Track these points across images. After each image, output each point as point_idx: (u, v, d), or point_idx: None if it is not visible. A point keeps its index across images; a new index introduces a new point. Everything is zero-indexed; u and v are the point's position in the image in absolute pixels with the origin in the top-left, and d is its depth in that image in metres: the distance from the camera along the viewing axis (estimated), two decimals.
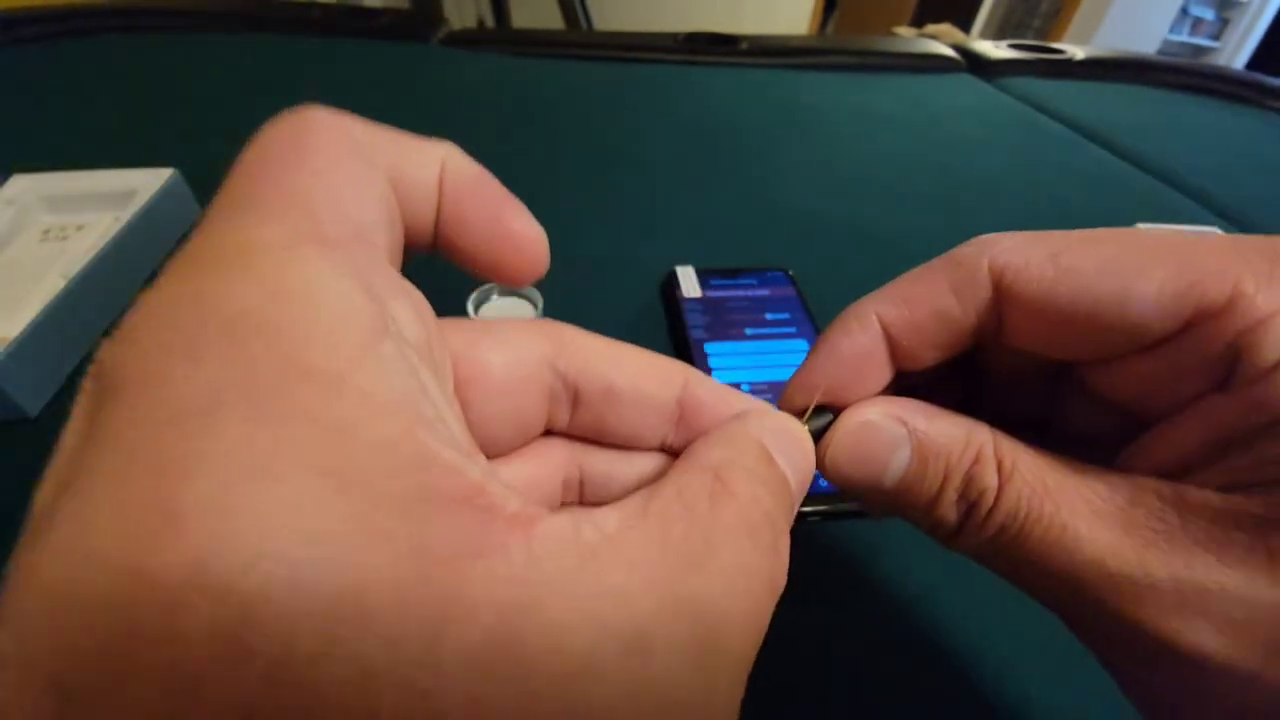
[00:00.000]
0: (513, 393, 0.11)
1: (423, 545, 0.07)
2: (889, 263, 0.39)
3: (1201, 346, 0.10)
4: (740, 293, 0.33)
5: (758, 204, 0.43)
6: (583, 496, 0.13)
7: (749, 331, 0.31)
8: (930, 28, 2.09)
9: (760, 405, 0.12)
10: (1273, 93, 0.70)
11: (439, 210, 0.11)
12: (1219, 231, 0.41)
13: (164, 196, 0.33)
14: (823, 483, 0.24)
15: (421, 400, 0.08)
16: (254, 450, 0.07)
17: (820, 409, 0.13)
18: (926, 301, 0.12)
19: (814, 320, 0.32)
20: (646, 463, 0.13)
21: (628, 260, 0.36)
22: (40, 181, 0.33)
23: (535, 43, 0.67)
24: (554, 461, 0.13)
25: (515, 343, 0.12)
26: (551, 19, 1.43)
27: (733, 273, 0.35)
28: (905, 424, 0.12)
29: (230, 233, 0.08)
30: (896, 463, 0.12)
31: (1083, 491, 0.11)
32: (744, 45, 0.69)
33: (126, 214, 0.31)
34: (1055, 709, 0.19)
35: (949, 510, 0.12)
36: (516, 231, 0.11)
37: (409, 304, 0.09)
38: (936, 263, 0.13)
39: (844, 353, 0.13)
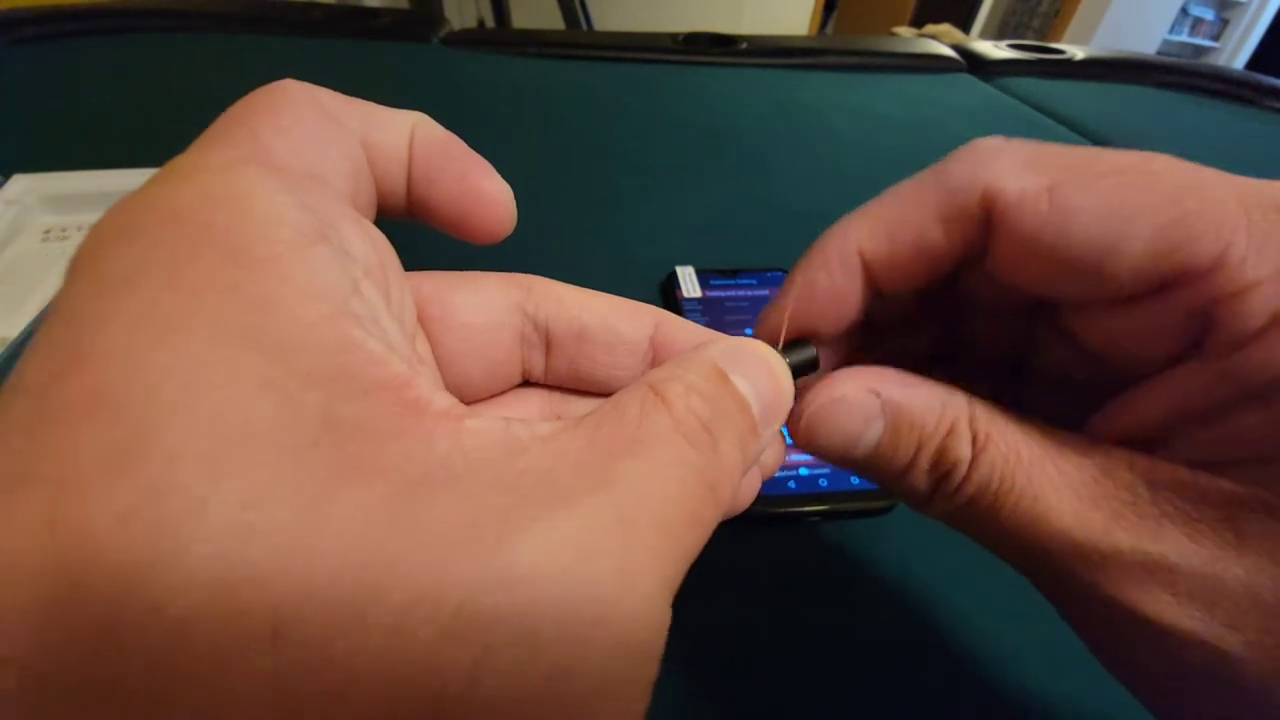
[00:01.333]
0: (482, 332, 0.12)
1: (333, 415, 0.07)
2: None
3: (1178, 307, 0.10)
4: (740, 292, 0.33)
5: (757, 204, 0.43)
6: None
7: (749, 332, 0.31)
8: (930, 28, 2.09)
9: (728, 337, 0.12)
10: (1271, 92, 0.70)
11: (409, 173, 0.11)
12: None
13: None
14: (822, 482, 0.24)
15: (353, 298, 0.08)
16: (167, 310, 0.07)
17: (800, 341, 0.13)
18: (911, 232, 0.12)
19: None
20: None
21: (628, 260, 0.36)
22: (41, 182, 0.33)
23: (535, 43, 0.67)
24: (530, 409, 0.13)
25: (484, 287, 0.12)
26: (551, 19, 1.43)
27: (733, 273, 0.35)
28: (879, 395, 0.12)
29: (188, 158, 0.09)
30: (869, 435, 0.12)
31: (1056, 462, 0.11)
32: (744, 46, 0.69)
33: None
34: (1056, 707, 0.19)
35: (920, 479, 0.12)
36: (484, 189, 0.11)
37: (360, 230, 0.10)
38: (927, 181, 0.12)
39: (821, 290, 0.13)
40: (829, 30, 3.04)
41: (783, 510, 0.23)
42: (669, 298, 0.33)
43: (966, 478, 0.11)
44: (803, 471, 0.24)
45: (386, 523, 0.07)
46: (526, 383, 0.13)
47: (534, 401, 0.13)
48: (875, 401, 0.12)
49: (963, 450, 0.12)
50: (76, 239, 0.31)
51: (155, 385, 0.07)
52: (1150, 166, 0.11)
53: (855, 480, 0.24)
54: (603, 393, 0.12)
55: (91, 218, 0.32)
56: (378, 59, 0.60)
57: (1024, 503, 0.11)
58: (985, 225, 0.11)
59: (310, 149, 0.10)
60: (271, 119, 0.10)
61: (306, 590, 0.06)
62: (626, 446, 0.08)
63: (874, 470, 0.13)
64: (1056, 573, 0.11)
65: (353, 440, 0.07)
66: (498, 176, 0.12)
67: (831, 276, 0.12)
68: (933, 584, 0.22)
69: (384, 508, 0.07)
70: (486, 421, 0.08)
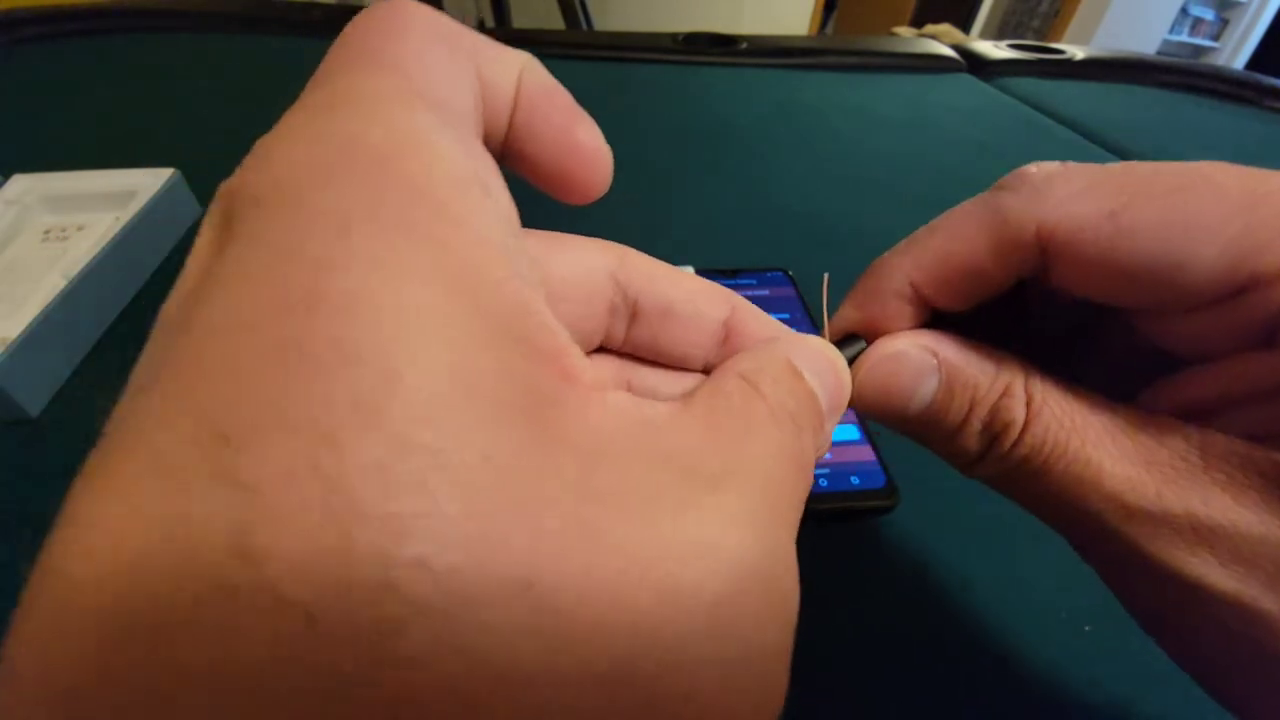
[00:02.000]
0: (579, 298, 0.12)
1: (531, 381, 0.08)
2: None
3: (1250, 311, 0.10)
4: (741, 292, 0.33)
5: (757, 204, 0.43)
6: None
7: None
8: (930, 28, 2.09)
9: (795, 334, 0.13)
10: (1271, 92, 0.70)
11: (512, 116, 0.10)
12: None
13: (165, 196, 0.33)
14: (822, 482, 0.24)
15: (520, 259, 0.08)
16: (396, 257, 0.07)
17: (854, 337, 0.14)
18: (963, 263, 0.12)
19: (814, 320, 0.32)
20: (689, 382, 0.13)
21: None
22: (41, 181, 0.33)
23: (535, 43, 0.67)
24: (605, 373, 0.13)
25: (583, 252, 0.12)
26: (552, 20, 1.43)
27: (733, 273, 0.35)
28: (935, 354, 0.12)
29: (343, 85, 0.09)
30: (923, 391, 0.12)
31: (1110, 428, 0.12)
32: (744, 46, 0.69)
33: (127, 214, 0.31)
34: (1057, 705, 0.19)
35: (972, 440, 0.12)
36: (587, 145, 0.11)
37: (500, 180, 0.09)
38: (976, 211, 0.12)
39: (876, 317, 0.13)
40: (829, 30, 3.04)
41: None
42: None
43: (1019, 439, 0.12)
44: None
45: (589, 496, 0.07)
46: (601, 348, 0.13)
47: (608, 367, 0.13)
48: (931, 359, 0.12)
49: (1017, 412, 0.12)
50: (77, 239, 0.31)
51: (395, 335, 0.07)
52: (1212, 177, 0.11)
53: (855, 480, 0.24)
54: (675, 366, 0.13)
55: (92, 217, 0.32)
56: None
57: (1075, 466, 0.11)
58: (1042, 253, 0.11)
59: (445, 79, 0.09)
60: (405, 44, 0.09)
61: (546, 551, 0.07)
62: (744, 432, 0.09)
63: (926, 428, 0.13)
64: (1104, 536, 0.11)
65: (544, 406, 0.08)
66: (599, 134, 0.11)
67: (885, 308, 0.13)
68: (933, 583, 0.22)
69: (580, 480, 0.07)
70: (621, 397, 0.09)
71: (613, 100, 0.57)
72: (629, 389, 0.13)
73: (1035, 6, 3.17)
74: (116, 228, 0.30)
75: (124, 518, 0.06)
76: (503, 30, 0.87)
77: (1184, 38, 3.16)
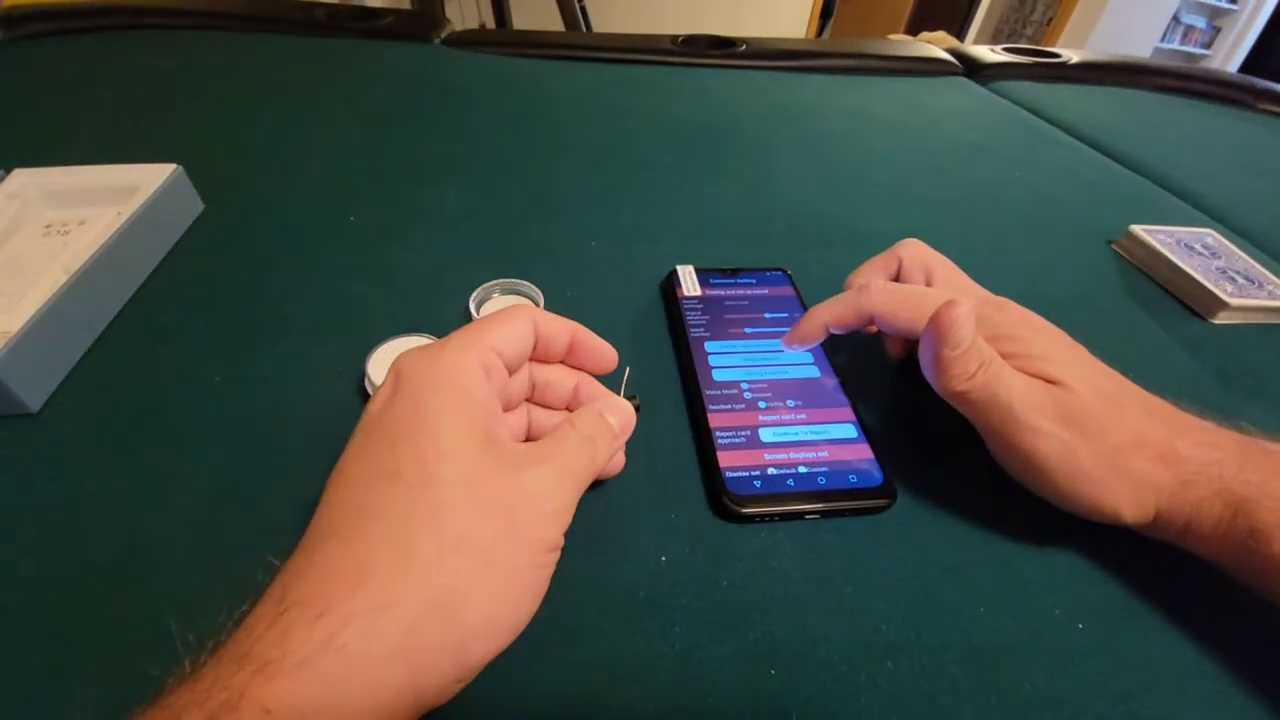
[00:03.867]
0: (521, 388, 0.23)
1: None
2: None
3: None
4: (740, 292, 0.34)
5: (756, 204, 0.43)
6: (529, 430, 0.24)
7: (748, 330, 0.31)
8: (925, 36, 2.10)
9: (610, 395, 0.23)
10: (1264, 95, 0.71)
11: (570, 347, 0.23)
12: (1214, 234, 0.42)
13: (166, 192, 0.33)
14: (821, 480, 0.24)
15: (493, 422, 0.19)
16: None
17: (632, 396, 0.25)
18: (837, 319, 0.27)
19: None
20: (557, 418, 0.23)
21: (628, 259, 0.37)
22: (43, 176, 0.33)
23: (535, 44, 0.67)
24: (523, 415, 0.23)
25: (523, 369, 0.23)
26: (552, 22, 1.44)
27: (733, 272, 0.35)
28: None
29: (456, 339, 0.20)
30: (967, 332, 0.22)
31: (1004, 367, 0.23)
32: (742, 48, 0.70)
33: (129, 209, 0.31)
34: (1053, 703, 0.19)
35: (972, 363, 0.22)
36: (603, 361, 0.23)
37: (503, 378, 0.21)
38: (849, 298, 0.27)
39: (809, 334, 0.28)
40: (825, 38, 3.05)
41: (781, 509, 0.23)
42: (669, 296, 0.33)
43: (986, 366, 0.22)
44: (801, 469, 0.24)
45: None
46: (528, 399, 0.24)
47: (524, 413, 0.23)
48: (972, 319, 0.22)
49: (990, 353, 0.22)
50: (79, 233, 0.31)
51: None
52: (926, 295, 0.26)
53: (853, 478, 0.24)
54: (551, 407, 0.24)
55: (94, 212, 0.32)
56: (380, 59, 0.60)
57: (999, 384, 0.22)
58: (870, 319, 0.27)
59: (506, 344, 0.20)
60: (496, 326, 0.20)
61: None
62: (559, 444, 0.19)
63: (961, 354, 0.22)
64: (997, 418, 0.22)
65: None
66: (609, 346, 0.23)
67: (816, 331, 0.28)
68: (928, 580, 0.22)
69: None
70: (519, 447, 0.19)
71: (612, 101, 0.57)
72: (529, 420, 0.23)
73: (1029, 15, 3.19)
74: (118, 223, 0.30)
75: None
76: (503, 32, 0.87)
77: (1176, 45, 3.19)
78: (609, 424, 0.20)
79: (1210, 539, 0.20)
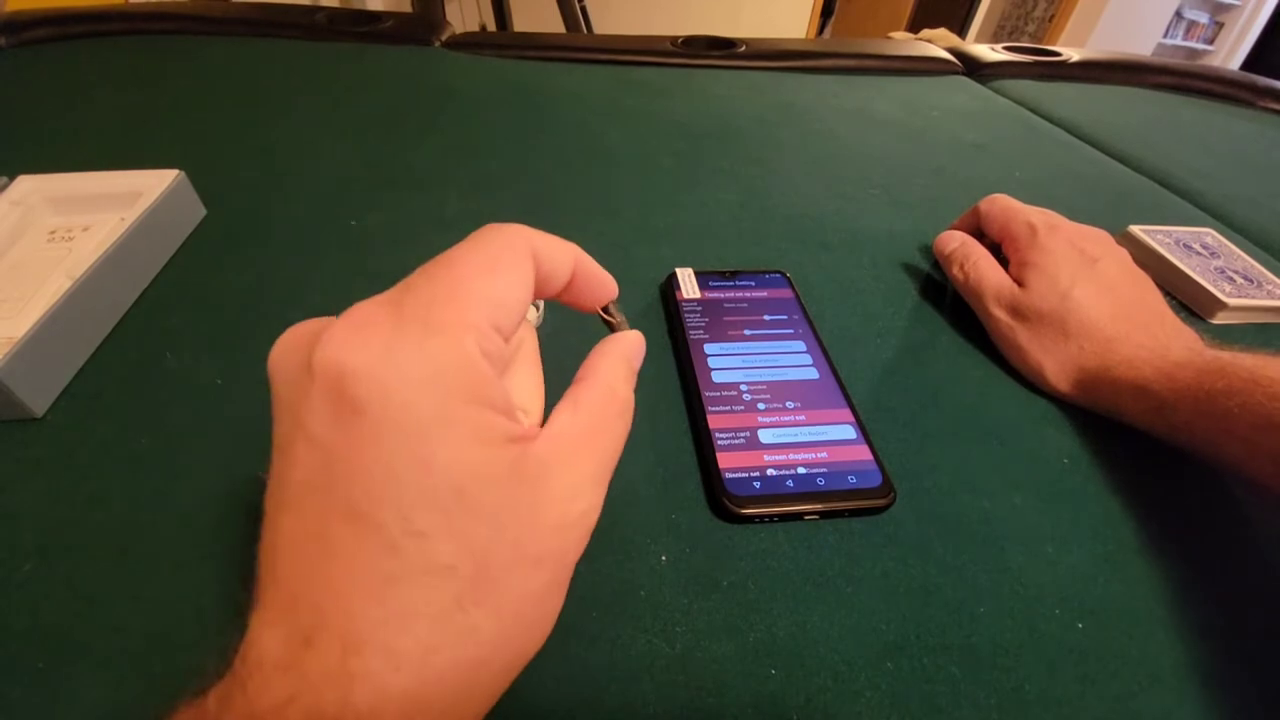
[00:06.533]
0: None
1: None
2: (885, 265, 0.40)
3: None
4: (739, 294, 0.34)
5: (756, 206, 0.44)
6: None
7: (748, 332, 0.31)
8: (926, 33, 2.10)
9: (622, 337, 0.19)
10: (1266, 93, 0.71)
11: (569, 284, 0.18)
12: (1214, 233, 0.42)
13: (169, 197, 0.34)
14: (820, 480, 0.24)
15: (499, 415, 0.14)
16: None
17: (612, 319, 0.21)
18: (967, 226, 0.38)
19: (811, 321, 0.32)
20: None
21: (627, 261, 0.37)
22: (46, 182, 0.34)
23: (536, 46, 0.68)
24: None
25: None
26: (552, 24, 1.44)
27: (732, 274, 0.35)
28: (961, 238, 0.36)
29: (436, 316, 0.14)
30: (954, 242, 0.35)
31: (992, 264, 0.33)
32: (742, 48, 0.70)
33: (132, 215, 0.31)
34: (1053, 703, 0.19)
35: (970, 266, 0.34)
36: (605, 295, 0.20)
37: (504, 353, 0.15)
38: (968, 214, 0.38)
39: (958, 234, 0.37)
40: (825, 36, 3.05)
41: (781, 510, 0.23)
42: (668, 299, 0.33)
43: (975, 265, 0.33)
44: (800, 470, 0.25)
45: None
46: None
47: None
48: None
49: (976, 257, 0.34)
50: (82, 239, 0.32)
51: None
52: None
53: (852, 479, 0.24)
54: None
55: (97, 218, 0.32)
56: (380, 62, 0.61)
57: (980, 280, 0.33)
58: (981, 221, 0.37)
59: (508, 291, 0.15)
60: (488, 279, 0.14)
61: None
62: (605, 421, 0.17)
63: (984, 265, 0.34)
64: (977, 304, 0.33)
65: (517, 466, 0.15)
66: (610, 278, 0.19)
67: (959, 234, 0.37)
68: (928, 580, 0.22)
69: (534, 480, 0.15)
70: (545, 438, 0.15)
71: (612, 102, 0.57)
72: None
73: (1030, 11, 3.18)
74: (121, 228, 0.30)
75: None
76: (503, 34, 0.87)
77: (1178, 41, 3.17)
78: (633, 369, 0.18)
79: (1133, 414, 0.27)
